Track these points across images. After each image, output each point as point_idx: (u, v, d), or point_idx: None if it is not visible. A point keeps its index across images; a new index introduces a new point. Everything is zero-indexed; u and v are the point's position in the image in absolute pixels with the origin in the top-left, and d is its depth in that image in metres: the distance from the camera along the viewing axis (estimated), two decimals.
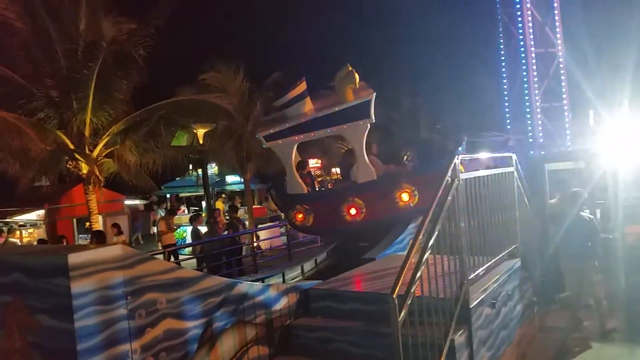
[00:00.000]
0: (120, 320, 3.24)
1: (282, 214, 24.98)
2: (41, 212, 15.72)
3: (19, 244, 14.73)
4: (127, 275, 3.32)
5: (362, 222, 7.69)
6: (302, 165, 8.51)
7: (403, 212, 7.65)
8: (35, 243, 14.49)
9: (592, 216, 7.08)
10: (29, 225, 16.38)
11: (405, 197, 7.60)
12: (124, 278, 3.29)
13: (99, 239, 8.84)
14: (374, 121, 7.56)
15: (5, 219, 15.94)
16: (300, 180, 8.09)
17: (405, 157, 8.97)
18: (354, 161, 8.11)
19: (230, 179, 28.19)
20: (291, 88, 7.78)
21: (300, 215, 8.03)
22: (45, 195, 15.14)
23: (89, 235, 13.71)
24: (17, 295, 3.32)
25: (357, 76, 7.70)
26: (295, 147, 8.04)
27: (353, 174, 8.16)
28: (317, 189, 8.99)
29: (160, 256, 12.10)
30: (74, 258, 3.04)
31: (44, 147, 12.06)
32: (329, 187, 13.37)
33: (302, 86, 7.79)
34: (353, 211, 7.66)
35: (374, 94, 7.58)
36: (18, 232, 15.87)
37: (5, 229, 15.50)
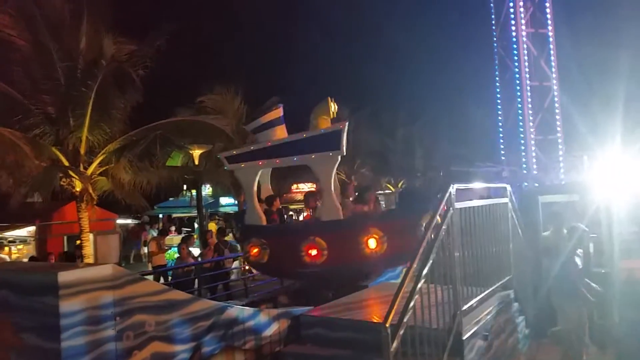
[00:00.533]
0: (108, 342, 3.19)
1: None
2: (32, 228, 15.58)
3: (8, 259, 14.56)
4: (117, 295, 3.27)
5: (322, 265, 6.49)
6: (269, 201, 7.58)
7: (368, 260, 6.48)
8: (25, 260, 14.31)
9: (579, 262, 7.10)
10: (18, 241, 16.20)
11: (372, 243, 6.41)
12: (113, 298, 3.24)
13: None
14: (344, 154, 6.59)
15: None
16: (259, 210, 7.14)
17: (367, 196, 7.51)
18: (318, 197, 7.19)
19: (224, 200, 28.13)
20: (266, 111, 7.11)
21: (255, 250, 6.99)
22: (37, 212, 15.02)
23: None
24: (3, 312, 3.27)
25: (332, 106, 7.11)
26: (259, 173, 7.17)
27: (318, 210, 7.14)
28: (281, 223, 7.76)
29: (151, 277, 11.97)
30: (64, 276, 3.00)
31: (39, 163, 12.01)
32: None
33: (278, 112, 7.13)
34: (313, 252, 6.49)
35: (346, 123, 6.71)
36: (7, 248, 15.70)
37: None
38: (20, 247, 16.06)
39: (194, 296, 3.86)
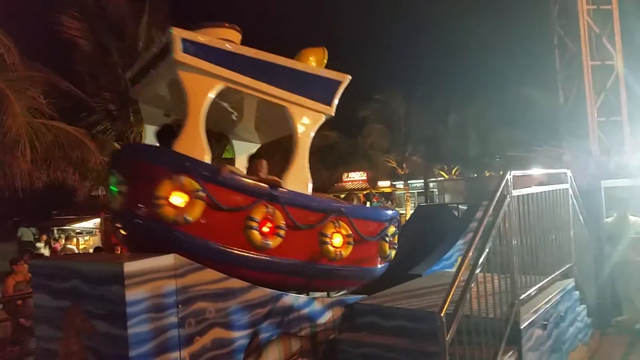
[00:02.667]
0: (171, 328, 3.34)
1: None
2: (97, 220, 16.37)
3: (76, 250, 15.40)
4: (179, 284, 3.42)
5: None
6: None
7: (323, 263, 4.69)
8: (91, 250, 15.10)
9: None
10: (85, 232, 17.09)
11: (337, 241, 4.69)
12: (176, 287, 3.39)
13: None
14: (332, 115, 5.07)
15: (64, 226, 16.72)
16: None
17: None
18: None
19: None
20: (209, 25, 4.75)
21: None
22: (101, 205, 15.76)
23: None
24: (75, 300, 3.48)
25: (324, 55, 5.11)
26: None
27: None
28: None
29: None
30: (129, 267, 3.17)
31: (102, 158, 12.60)
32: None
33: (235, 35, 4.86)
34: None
35: (349, 78, 5.11)
36: (75, 240, 16.60)
37: (63, 236, 16.26)
38: (86, 238, 16.94)
39: (251, 284, 3.97)
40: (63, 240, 15.90)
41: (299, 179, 4.74)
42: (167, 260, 3.40)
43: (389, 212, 5.45)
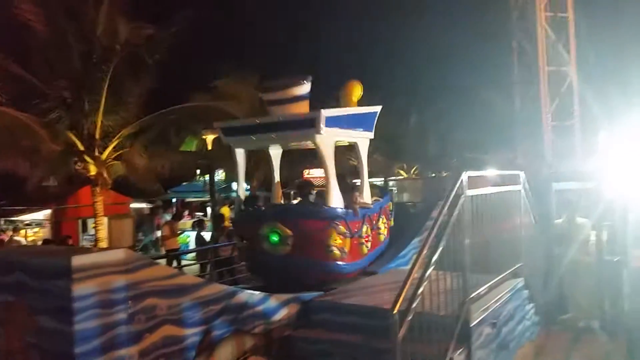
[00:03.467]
0: (120, 325, 3.25)
1: None
2: (47, 211, 15.82)
3: (24, 242, 14.84)
4: (130, 279, 3.34)
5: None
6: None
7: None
8: (39, 243, 14.58)
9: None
10: (34, 224, 16.47)
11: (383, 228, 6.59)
12: (126, 282, 3.31)
13: None
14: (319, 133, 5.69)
15: (12, 217, 16.06)
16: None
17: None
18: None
19: (237, 186, 28.23)
20: (291, 85, 6.18)
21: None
22: (52, 195, 15.26)
23: (93, 237, 13.80)
24: (19, 295, 3.35)
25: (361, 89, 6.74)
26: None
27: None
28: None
29: (164, 261, 12.14)
30: (77, 260, 3.06)
31: (54, 148, 12.15)
32: None
33: (306, 87, 6.24)
34: None
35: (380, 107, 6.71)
36: (23, 231, 15.99)
37: (10, 227, 15.62)
38: (36, 230, 16.33)
39: (205, 280, 3.92)
40: (10, 232, 15.29)
41: (368, 194, 6.60)
42: (117, 254, 3.31)
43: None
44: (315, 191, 6.76)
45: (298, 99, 6.25)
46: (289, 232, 5.69)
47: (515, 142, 20.47)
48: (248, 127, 6.67)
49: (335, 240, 5.64)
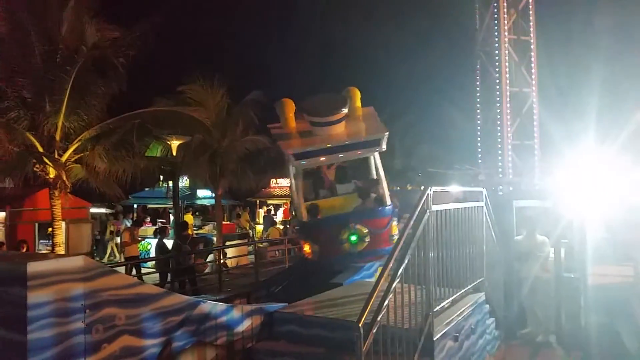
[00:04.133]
0: (77, 334, 3.13)
1: (250, 231, 24.84)
2: (2, 214, 15.20)
3: None
4: (88, 287, 3.22)
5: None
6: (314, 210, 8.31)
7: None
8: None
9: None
10: None
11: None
12: (84, 290, 3.19)
13: None
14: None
15: None
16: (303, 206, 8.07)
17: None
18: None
19: (201, 193, 27.86)
20: (335, 112, 7.50)
21: (307, 247, 7.90)
22: (7, 197, 14.66)
23: (50, 242, 13.32)
24: None
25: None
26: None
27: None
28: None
29: (122, 268, 11.82)
30: (33, 267, 2.93)
31: (11, 148, 11.72)
32: None
33: (345, 113, 7.60)
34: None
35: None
36: None
37: None
38: None
39: (166, 290, 3.81)
40: None
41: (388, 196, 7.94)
42: (76, 262, 3.19)
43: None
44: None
45: (340, 121, 7.56)
46: (365, 231, 7.46)
47: (478, 159, 20.95)
48: (320, 151, 7.59)
49: (395, 230, 7.58)
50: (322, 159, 7.76)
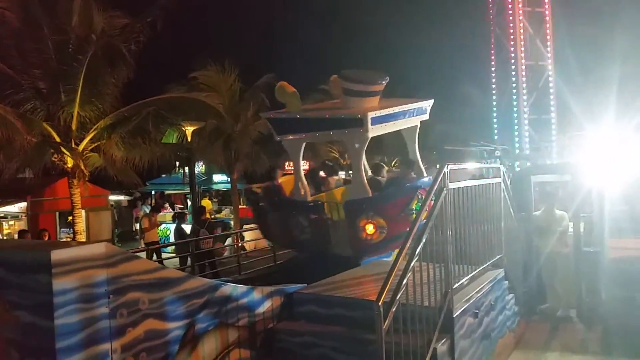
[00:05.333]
0: (101, 319, 3.19)
1: None
2: (23, 204, 15.48)
3: (0, 236, 14.53)
4: (111, 273, 3.28)
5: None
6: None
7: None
8: (16, 235, 14.28)
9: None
10: (10, 217, 16.13)
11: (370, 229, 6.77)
12: (107, 276, 3.24)
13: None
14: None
15: None
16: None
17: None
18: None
19: (217, 178, 28.05)
20: (374, 82, 7.23)
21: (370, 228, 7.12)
22: (28, 188, 14.91)
23: (70, 230, 13.57)
24: None
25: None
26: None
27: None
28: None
29: (143, 254, 12.01)
30: (57, 254, 2.99)
31: (29, 139, 11.88)
32: None
33: (382, 86, 7.34)
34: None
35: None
36: None
37: None
38: (11, 222, 15.99)
39: (187, 274, 3.87)
40: None
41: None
42: (98, 248, 3.24)
43: None
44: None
45: (374, 94, 7.16)
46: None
47: (494, 134, 20.73)
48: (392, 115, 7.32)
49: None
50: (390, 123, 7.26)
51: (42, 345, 3.02)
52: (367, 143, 7.03)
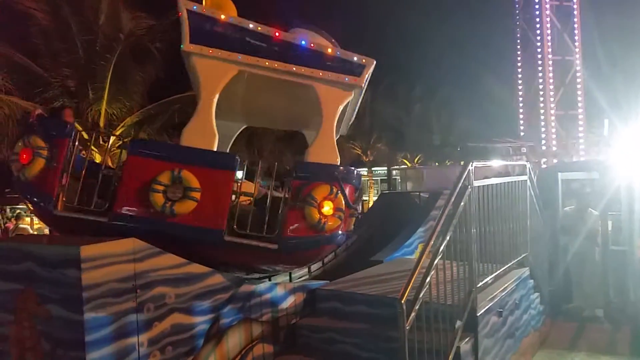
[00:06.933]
0: (129, 313, 3.27)
1: None
2: None
3: (30, 230, 14.89)
4: (138, 268, 3.35)
5: None
6: None
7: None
8: (46, 231, 14.62)
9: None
10: None
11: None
12: (134, 271, 3.32)
13: None
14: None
15: (18, 205, 16.10)
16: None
17: None
18: None
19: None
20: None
21: None
22: None
23: None
24: (29, 283, 3.37)
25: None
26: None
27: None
28: None
29: None
30: (86, 250, 3.08)
31: None
32: None
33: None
34: None
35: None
36: (28, 219, 16.02)
37: (13, 215, 15.66)
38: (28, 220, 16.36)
39: (212, 269, 3.92)
40: (15, 220, 15.33)
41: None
42: (126, 244, 3.32)
43: None
44: None
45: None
46: None
47: (520, 131, 20.41)
48: None
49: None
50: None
51: (72, 337, 3.11)
52: None
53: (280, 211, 4.53)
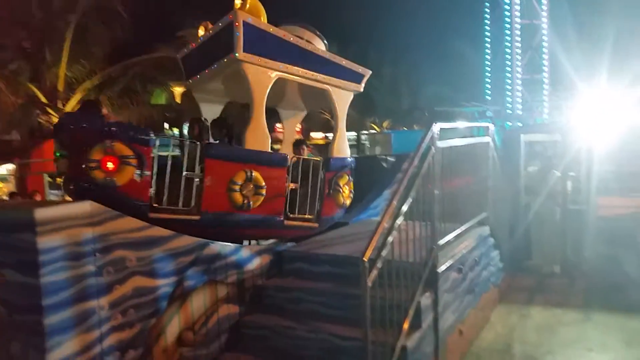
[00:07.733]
0: (88, 277, 3.23)
1: None
2: (11, 166, 15.35)
3: None
4: (97, 232, 3.29)
5: None
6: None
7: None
8: (6, 197, 14.22)
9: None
10: None
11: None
12: (92, 235, 3.26)
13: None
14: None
15: None
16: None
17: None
18: None
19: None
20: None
21: None
22: (15, 150, 14.76)
23: (60, 191, 13.50)
24: None
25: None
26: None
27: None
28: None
29: None
30: (40, 213, 2.99)
31: (15, 100, 11.71)
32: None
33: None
34: None
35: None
36: None
37: None
38: (0, 185, 15.89)
39: (174, 232, 3.88)
40: None
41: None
42: (83, 207, 3.25)
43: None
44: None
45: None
46: None
47: (486, 95, 20.63)
48: None
49: None
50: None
51: (29, 302, 3.06)
52: None
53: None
